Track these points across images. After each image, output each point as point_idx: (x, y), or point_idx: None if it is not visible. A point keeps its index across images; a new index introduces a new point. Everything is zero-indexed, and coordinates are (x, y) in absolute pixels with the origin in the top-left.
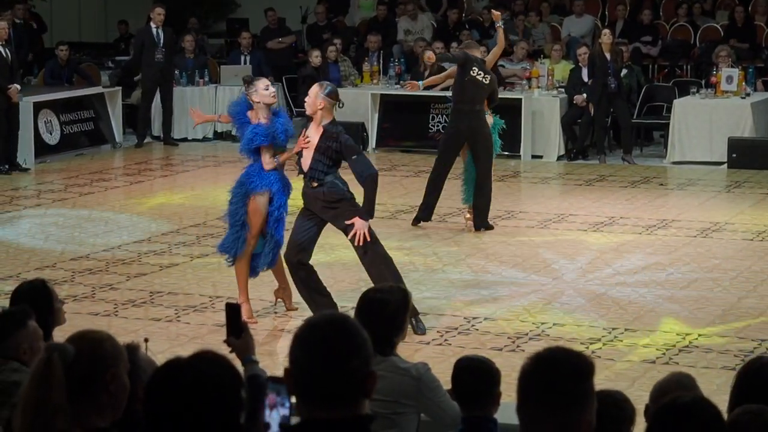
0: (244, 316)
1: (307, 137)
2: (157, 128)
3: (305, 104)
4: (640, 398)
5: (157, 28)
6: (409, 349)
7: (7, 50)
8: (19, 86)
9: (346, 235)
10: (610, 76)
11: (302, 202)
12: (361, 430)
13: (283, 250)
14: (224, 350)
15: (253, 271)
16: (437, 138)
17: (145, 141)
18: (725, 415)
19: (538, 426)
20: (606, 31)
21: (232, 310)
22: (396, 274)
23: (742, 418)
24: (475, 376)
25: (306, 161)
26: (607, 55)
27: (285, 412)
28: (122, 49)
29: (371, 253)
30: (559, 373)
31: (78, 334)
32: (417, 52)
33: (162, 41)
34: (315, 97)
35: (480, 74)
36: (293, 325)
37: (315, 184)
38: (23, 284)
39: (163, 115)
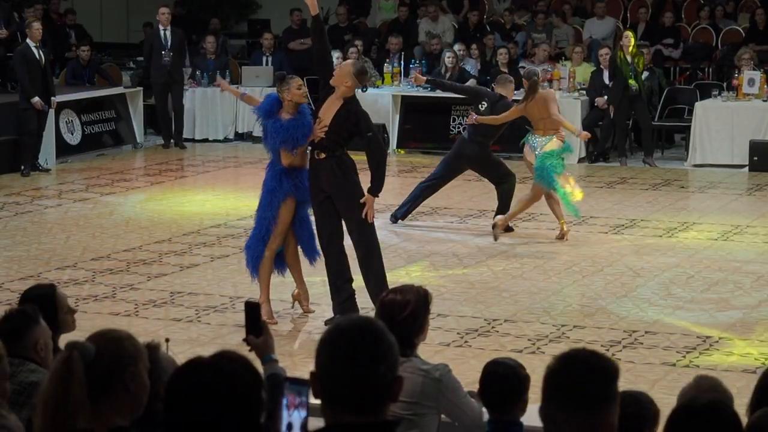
0: (264, 317)
1: (321, 122)
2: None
3: (333, 74)
4: (660, 400)
5: (164, 29)
6: (429, 351)
7: (40, 52)
8: (42, 102)
9: (343, 214)
10: (631, 78)
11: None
12: None
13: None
14: (244, 349)
15: (281, 269)
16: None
17: (161, 143)
18: (745, 418)
19: (561, 426)
20: (627, 33)
21: (252, 309)
22: (380, 262)
23: (763, 421)
24: (504, 381)
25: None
26: (628, 58)
27: (304, 413)
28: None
29: (367, 236)
30: (585, 374)
31: (98, 333)
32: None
33: (169, 43)
34: (345, 75)
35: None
36: (312, 326)
37: (323, 155)
38: (33, 288)
39: (174, 118)
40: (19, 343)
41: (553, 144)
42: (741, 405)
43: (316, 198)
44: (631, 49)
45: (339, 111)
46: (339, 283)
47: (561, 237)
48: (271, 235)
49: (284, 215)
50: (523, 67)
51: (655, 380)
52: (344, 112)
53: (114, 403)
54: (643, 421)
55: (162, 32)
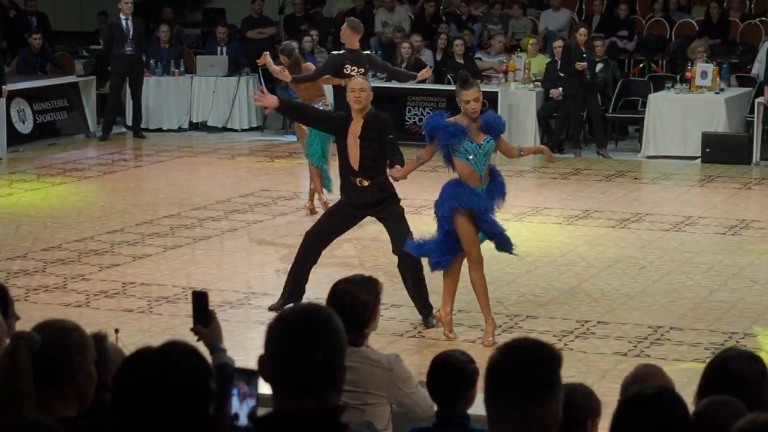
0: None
1: None
2: (129, 120)
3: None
4: (611, 390)
5: (126, 19)
6: (383, 341)
7: None
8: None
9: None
10: (585, 68)
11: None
12: (330, 421)
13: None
14: (193, 339)
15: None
16: (414, 130)
17: (117, 132)
18: (692, 407)
19: (505, 416)
20: (582, 29)
21: (200, 298)
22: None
23: (709, 409)
24: (451, 376)
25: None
26: (582, 48)
27: (254, 403)
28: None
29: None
30: (526, 363)
31: (44, 323)
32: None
33: (131, 33)
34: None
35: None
36: (266, 316)
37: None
38: None
39: (133, 108)
40: None
41: None
42: (690, 394)
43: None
44: (584, 42)
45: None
46: (296, 286)
47: (310, 210)
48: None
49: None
50: (479, 59)
51: (607, 370)
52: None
53: (61, 394)
54: (587, 411)
55: (123, 22)
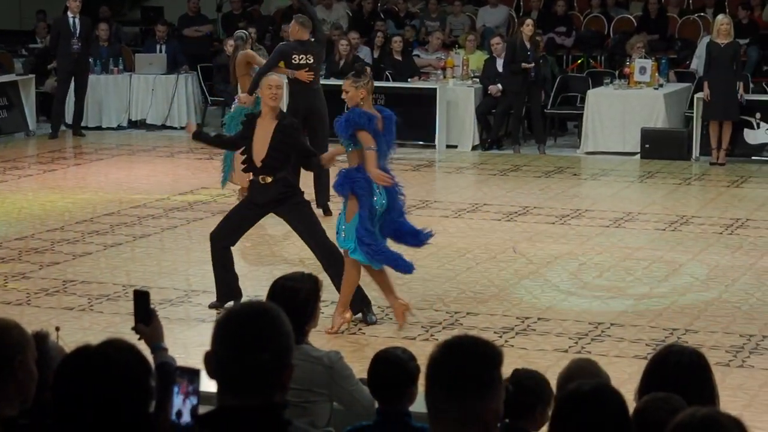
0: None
1: None
2: (69, 117)
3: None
4: (551, 387)
5: (74, 17)
6: (323, 339)
7: None
8: None
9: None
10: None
11: None
12: (272, 418)
13: None
14: (134, 338)
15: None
16: None
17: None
18: (633, 403)
19: (445, 412)
20: (529, 21)
21: (141, 297)
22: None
23: (648, 406)
24: (391, 374)
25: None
26: (527, 44)
27: (195, 401)
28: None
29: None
30: (467, 360)
31: None
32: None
33: (78, 31)
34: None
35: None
36: (208, 314)
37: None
38: None
39: (75, 106)
40: None
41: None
42: (630, 390)
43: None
44: (530, 36)
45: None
46: (228, 289)
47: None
48: None
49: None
50: (417, 56)
51: (548, 366)
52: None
53: (2, 392)
54: (538, 397)
55: (71, 20)
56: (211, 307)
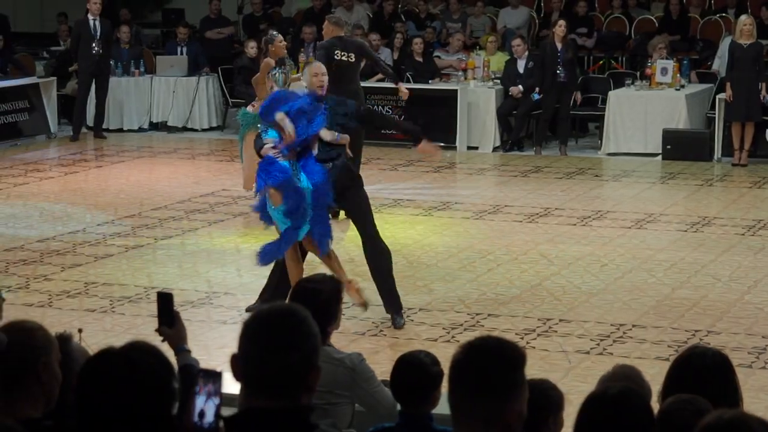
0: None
1: None
2: (90, 120)
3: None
4: (574, 388)
5: (94, 19)
6: (345, 340)
7: None
8: None
9: None
10: (559, 66)
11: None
12: (298, 421)
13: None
14: (157, 340)
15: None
16: None
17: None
18: (656, 405)
19: (468, 414)
20: (561, 21)
21: (164, 299)
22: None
23: (673, 407)
24: (413, 378)
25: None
26: (558, 46)
27: (218, 401)
28: (58, 40)
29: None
30: (490, 362)
31: (9, 324)
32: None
33: (99, 33)
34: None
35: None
36: (227, 316)
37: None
38: None
39: (96, 108)
40: None
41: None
42: (653, 392)
43: None
44: (563, 36)
45: None
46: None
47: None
48: None
49: None
50: (438, 57)
51: (569, 368)
52: None
53: (26, 394)
54: (547, 409)
55: (92, 22)
56: (248, 310)
